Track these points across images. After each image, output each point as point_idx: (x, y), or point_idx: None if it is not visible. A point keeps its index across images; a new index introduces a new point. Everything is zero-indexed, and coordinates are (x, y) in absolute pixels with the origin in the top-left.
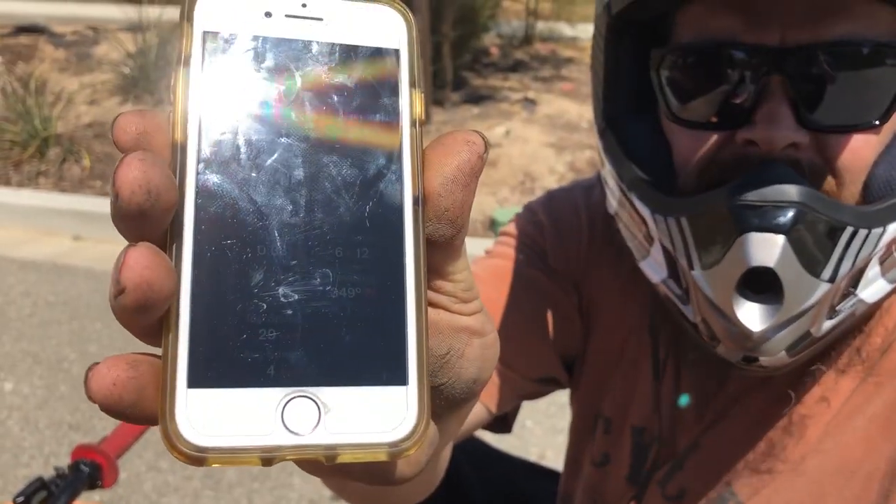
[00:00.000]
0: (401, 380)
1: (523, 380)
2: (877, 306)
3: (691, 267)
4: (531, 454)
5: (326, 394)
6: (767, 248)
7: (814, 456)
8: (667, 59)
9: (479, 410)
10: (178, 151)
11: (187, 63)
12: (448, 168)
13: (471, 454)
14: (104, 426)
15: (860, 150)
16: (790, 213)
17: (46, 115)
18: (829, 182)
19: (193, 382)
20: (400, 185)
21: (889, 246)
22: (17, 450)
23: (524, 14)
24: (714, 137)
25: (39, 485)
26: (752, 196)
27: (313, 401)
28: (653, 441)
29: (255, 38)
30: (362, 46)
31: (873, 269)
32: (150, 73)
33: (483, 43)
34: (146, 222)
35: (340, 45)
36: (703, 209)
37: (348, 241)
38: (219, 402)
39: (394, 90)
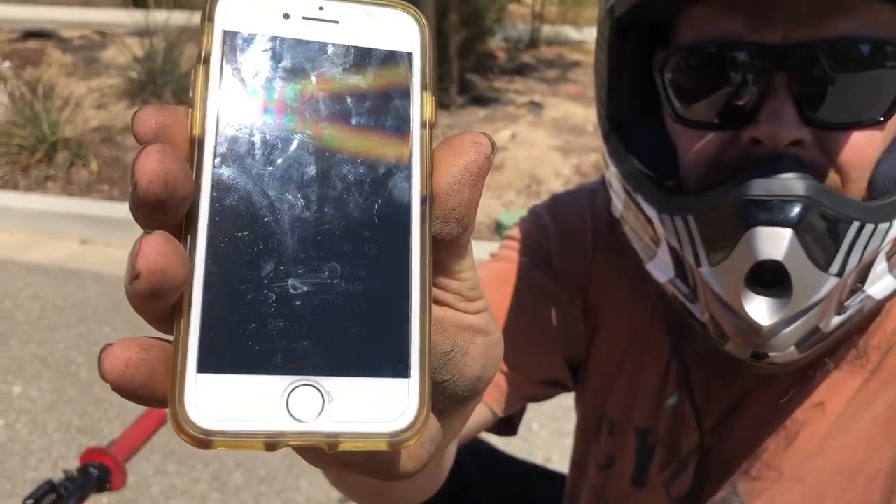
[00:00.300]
0: (403, 372)
1: (528, 382)
2: (884, 303)
3: (699, 264)
4: (537, 457)
5: (330, 383)
6: (775, 242)
7: (816, 458)
8: (670, 61)
9: (484, 412)
10: (195, 145)
11: (207, 61)
12: (456, 168)
13: (477, 457)
14: (112, 429)
15: (864, 147)
16: (797, 208)
17: (54, 119)
18: (834, 179)
19: (203, 368)
20: (409, 185)
21: (895, 242)
22: (25, 453)
23: (530, 17)
24: (719, 137)
25: (49, 487)
26: (759, 191)
27: (317, 390)
28: (657, 442)
29: (273, 38)
30: (376, 49)
31: (881, 265)
32: (157, 77)
33: (489, 46)
34: (162, 212)
35: (355, 47)
36: (710, 206)
37: (357, 237)
38: (226, 388)
39: (406, 92)
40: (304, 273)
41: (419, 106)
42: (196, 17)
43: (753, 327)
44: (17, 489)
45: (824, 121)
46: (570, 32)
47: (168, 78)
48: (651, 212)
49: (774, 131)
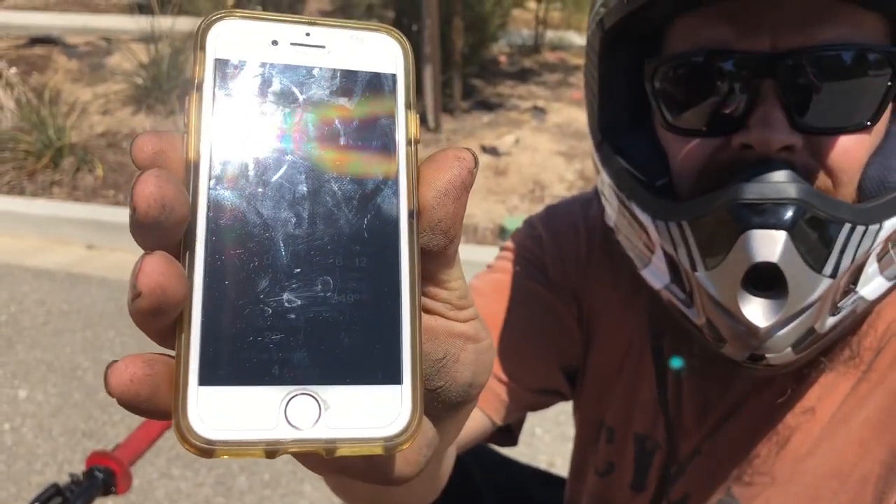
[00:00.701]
0: (395, 379)
1: (526, 391)
2: (876, 304)
3: (695, 269)
4: (540, 462)
5: (326, 392)
6: (770, 244)
7: (808, 460)
8: (661, 70)
9: (483, 421)
10: (191, 169)
11: (200, 88)
12: (440, 182)
13: (481, 460)
14: (117, 433)
15: (853, 151)
16: (790, 211)
17: (60, 125)
18: (825, 182)
19: (204, 380)
20: (396, 199)
21: (885, 243)
22: (30, 457)
23: (533, 23)
24: (710, 143)
25: (55, 491)
26: (752, 195)
27: (314, 398)
28: (655, 448)
29: (263, 64)
30: (362, 72)
31: (872, 267)
32: (162, 83)
33: (492, 52)
34: (161, 233)
35: (341, 70)
36: (704, 211)
37: (348, 251)
38: (227, 399)
39: (391, 112)
40: (298, 287)
41: (404, 124)
42: None
43: (751, 329)
44: (22, 493)
45: (813, 126)
46: (574, 37)
47: (173, 84)
48: (645, 219)
49: (766, 136)
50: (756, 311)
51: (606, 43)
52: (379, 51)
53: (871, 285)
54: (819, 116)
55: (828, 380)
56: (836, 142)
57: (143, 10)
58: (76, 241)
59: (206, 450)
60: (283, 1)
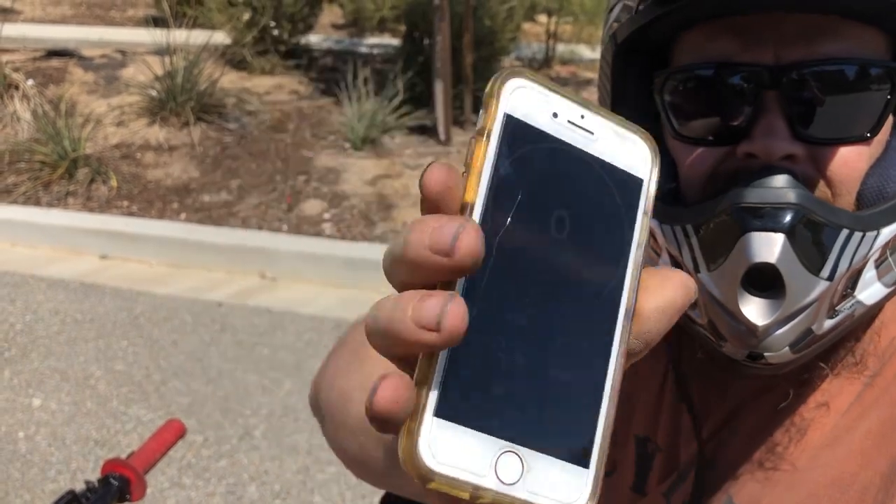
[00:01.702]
0: (585, 463)
1: None
2: (875, 309)
3: (697, 270)
4: None
5: (533, 456)
6: (768, 246)
7: (810, 468)
8: (669, 82)
9: None
10: (466, 210)
11: (489, 137)
12: (663, 299)
13: None
14: (129, 442)
15: (853, 162)
16: (789, 215)
17: (76, 136)
18: (825, 192)
19: (440, 413)
20: (619, 296)
21: (883, 249)
22: (44, 465)
23: (544, 36)
24: (715, 152)
25: (71, 497)
26: (753, 199)
27: (520, 458)
28: (656, 451)
29: (542, 133)
30: (619, 168)
31: (870, 272)
32: (176, 95)
33: (503, 65)
34: (447, 275)
35: (603, 162)
36: (707, 215)
37: (573, 331)
38: (454, 436)
39: (632, 212)
40: (529, 353)
41: (640, 228)
42: (215, 37)
43: (749, 328)
44: (36, 500)
45: (815, 136)
46: (584, 51)
47: (187, 96)
48: (652, 223)
49: (768, 146)
50: (754, 310)
51: (619, 56)
52: (635, 152)
53: (869, 290)
54: (820, 127)
55: (830, 386)
56: (837, 152)
57: (158, 23)
58: (90, 252)
59: (426, 478)
60: (296, 15)
